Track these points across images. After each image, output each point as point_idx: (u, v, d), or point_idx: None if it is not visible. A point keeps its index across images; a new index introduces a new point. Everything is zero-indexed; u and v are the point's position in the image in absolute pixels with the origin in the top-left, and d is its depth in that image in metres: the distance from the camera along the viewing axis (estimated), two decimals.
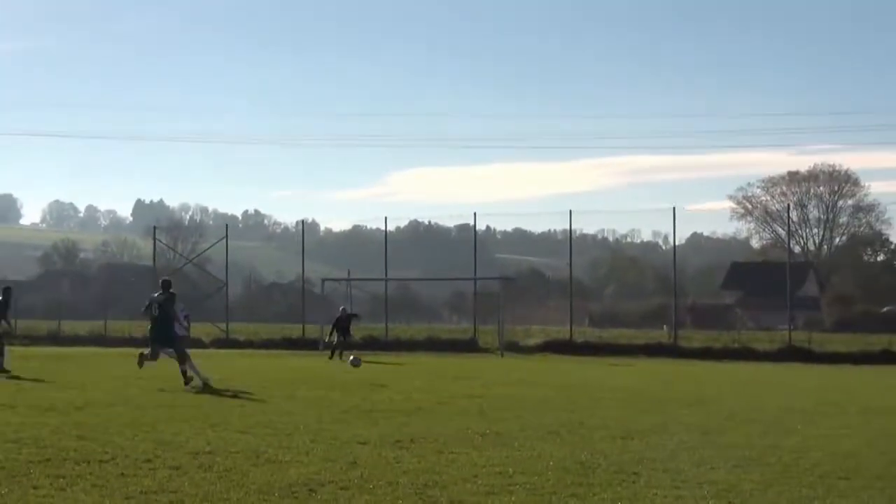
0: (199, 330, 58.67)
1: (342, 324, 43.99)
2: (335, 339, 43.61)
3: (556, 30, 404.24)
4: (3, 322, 31.37)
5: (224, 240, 60.51)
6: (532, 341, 53.32)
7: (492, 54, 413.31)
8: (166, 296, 26.01)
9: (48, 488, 11.26)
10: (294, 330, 58.55)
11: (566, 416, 20.02)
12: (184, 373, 25.26)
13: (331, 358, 41.49)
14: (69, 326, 61.64)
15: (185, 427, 16.99)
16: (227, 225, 67.98)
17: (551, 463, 13.55)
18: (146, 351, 26.86)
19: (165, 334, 26.05)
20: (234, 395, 23.30)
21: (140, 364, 26.95)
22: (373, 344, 51.43)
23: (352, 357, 36.05)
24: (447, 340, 54.47)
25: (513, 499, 11.06)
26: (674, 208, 53.76)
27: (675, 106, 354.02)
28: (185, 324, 29.56)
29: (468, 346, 52.71)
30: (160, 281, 27.14)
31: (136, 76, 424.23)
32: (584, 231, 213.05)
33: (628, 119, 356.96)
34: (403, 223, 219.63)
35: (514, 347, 51.57)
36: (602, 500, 11.08)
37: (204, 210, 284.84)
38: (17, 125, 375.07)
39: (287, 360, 39.04)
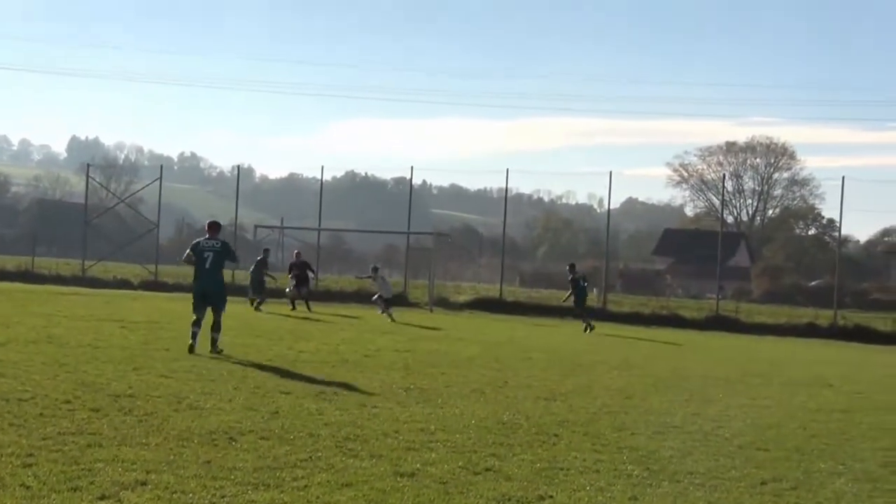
0: (127, 271, 58.39)
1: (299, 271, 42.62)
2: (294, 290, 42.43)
3: None
4: None
5: (158, 181, 59.90)
6: (462, 298, 53.37)
7: (436, 10, 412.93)
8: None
9: None
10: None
11: (491, 374, 20.09)
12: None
13: (293, 309, 41.15)
14: None
15: (108, 369, 16.86)
16: (161, 166, 67.17)
17: (473, 421, 13.58)
18: None
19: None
20: (159, 339, 23.18)
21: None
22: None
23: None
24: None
25: (433, 455, 11.06)
26: (610, 172, 53.70)
27: (616, 70, 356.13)
28: None
29: (398, 301, 52.51)
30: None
31: (78, 9, 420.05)
32: (520, 190, 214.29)
33: (569, 81, 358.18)
34: (340, 174, 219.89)
35: (443, 303, 51.57)
36: (521, 460, 11.11)
37: (139, 150, 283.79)
38: None
39: None
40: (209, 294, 21.36)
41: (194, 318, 20.97)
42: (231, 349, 21.40)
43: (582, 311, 40.87)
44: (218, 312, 21.31)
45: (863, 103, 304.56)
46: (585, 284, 41.57)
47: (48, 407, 12.58)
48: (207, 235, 21.70)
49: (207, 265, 21.39)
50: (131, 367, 17.34)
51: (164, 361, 18.46)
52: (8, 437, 10.64)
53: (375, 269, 41.91)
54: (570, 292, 41.33)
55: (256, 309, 38.88)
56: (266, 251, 42.35)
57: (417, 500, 9.04)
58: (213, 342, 20.81)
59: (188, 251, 21.72)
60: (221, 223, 23.08)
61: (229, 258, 21.90)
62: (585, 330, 38.77)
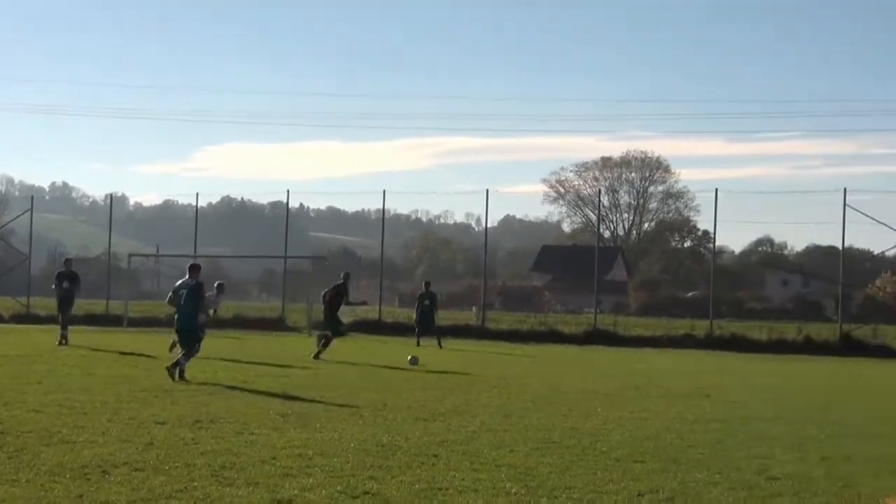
0: None
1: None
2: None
3: (375, 9, 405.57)
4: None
5: (29, 212, 58.93)
6: (342, 320, 53.05)
7: (308, 31, 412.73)
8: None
9: None
10: (98, 306, 57.43)
11: (371, 396, 19.99)
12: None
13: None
14: None
15: None
16: (32, 196, 66.30)
17: (352, 444, 13.50)
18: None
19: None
20: (31, 373, 22.78)
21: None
22: None
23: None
24: (255, 318, 53.98)
25: (310, 481, 10.96)
26: (486, 190, 53.92)
27: (489, 88, 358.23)
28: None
29: (276, 325, 52.33)
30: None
31: None
32: (398, 211, 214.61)
33: (442, 100, 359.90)
34: (216, 199, 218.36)
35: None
36: (400, 482, 11.06)
37: (9, 181, 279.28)
38: None
39: (89, 337, 38.27)
40: (181, 328, 23.33)
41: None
42: (106, 381, 21.13)
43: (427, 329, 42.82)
44: (186, 345, 23.05)
45: (734, 115, 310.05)
46: (427, 303, 43.23)
47: None
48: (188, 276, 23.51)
49: (181, 302, 23.23)
50: (1, 402, 16.99)
51: (35, 395, 18.11)
52: None
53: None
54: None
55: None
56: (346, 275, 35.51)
57: None
58: (180, 369, 22.38)
59: (171, 293, 23.94)
60: (200, 265, 25.23)
61: (198, 297, 23.53)
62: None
